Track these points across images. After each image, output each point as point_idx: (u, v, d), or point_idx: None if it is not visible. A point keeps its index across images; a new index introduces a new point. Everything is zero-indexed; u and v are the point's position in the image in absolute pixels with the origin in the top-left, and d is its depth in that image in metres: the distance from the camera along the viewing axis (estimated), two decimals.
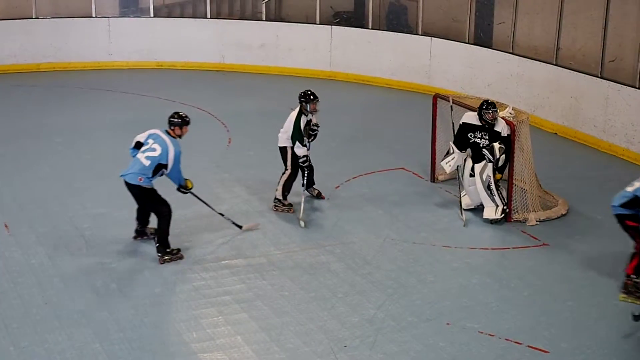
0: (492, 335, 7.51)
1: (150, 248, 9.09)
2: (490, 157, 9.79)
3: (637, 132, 12.09)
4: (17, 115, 14.04)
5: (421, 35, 15.85)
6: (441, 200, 10.58)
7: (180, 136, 9.12)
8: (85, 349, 7.23)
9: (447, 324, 7.71)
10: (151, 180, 8.90)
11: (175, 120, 9.14)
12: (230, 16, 17.76)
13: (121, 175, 8.94)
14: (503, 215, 9.91)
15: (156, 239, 8.99)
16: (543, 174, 10.49)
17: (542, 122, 13.42)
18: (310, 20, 16.99)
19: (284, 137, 10.25)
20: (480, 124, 9.95)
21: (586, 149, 12.73)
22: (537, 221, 9.87)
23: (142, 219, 9.39)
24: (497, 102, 10.85)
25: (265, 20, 17.22)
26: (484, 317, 7.84)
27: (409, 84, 15.65)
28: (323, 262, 8.92)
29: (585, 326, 7.74)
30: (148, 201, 9.02)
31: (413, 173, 11.25)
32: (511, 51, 14.32)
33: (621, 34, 12.83)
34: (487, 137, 9.88)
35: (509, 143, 9.84)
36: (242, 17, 17.85)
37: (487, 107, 9.90)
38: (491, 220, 9.91)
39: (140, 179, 8.83)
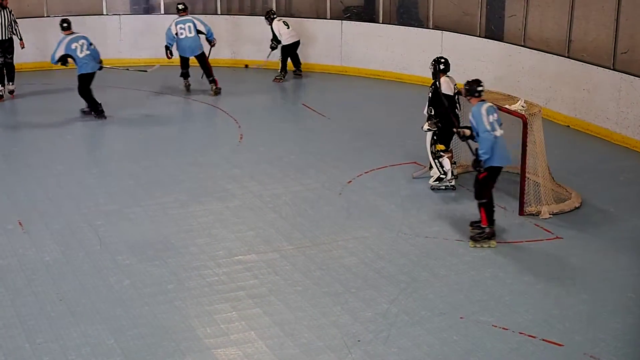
0: (506, 329, 7.50)
1: (163, 243, 9.12)
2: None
3: None
4: (29, 113, 14.09)
5: (432, 29, 15.82)
6: (453, 195, 10.56)
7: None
8: (100, 345, 7.26)
9: (461, 317, 7.70)
10: None
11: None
12: (241, 12, 17.77)
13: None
14: (437, 182, 10.58)
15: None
16: (556, 167, 10.45)
17: (555, 114, 13.37)
18: (320, 15, 16.97)
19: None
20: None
21: (599, 141, 12.67)
22: (550, 214, 9.84)
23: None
24: (509, 95, 10.87)
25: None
26: (497, 310, 7.82)
27: (420, 77, 15.61)
28: (336, 257, 8.92)
29: (599, 319, 7.71)
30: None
31: (424, 167, 11.21)
32: (523, 44, 14.26)
33: (633, 25, 12.76)
34: (431, 90, 10.53)
35: (446, 100, 10.24)
36: (253, 13, 17.84)
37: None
38: (431, 186, 10.60)
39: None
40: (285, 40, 15.66)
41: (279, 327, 7.55)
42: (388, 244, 9.22)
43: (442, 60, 10.55)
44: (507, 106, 10.13)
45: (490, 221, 9.13)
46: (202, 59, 14.98)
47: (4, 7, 14.17)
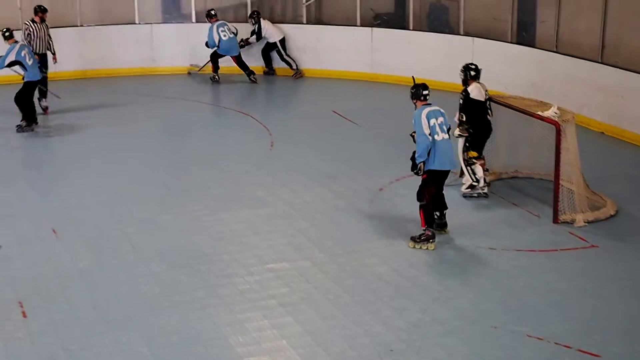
0: (541, 339, 7.40)
1: (195, 250, 9.13)
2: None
3: None
4: (63, 121, 14.18)
5: (463, 35, 15.75)
6: (486, 202, 10.48)
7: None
8: (132, 353, 7.26)
9: (494, 327, 7.62)
10: None
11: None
12: (271, 20, 17.78)
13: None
14: (470, 189, 10.51)
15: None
16: (590, 174, 10.33)
17: (589, 121, 13.23)
18: (350, 23, 16.96)
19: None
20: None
21: (634, 148, 12.52)
22: (585, 222, 9.72)
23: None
24: (542, 101, 10.78)
25: (306, 23, 17.22)
26: (532, 320, 7.73)
27: (451, 84, 15.52)
28: (367, 265, 8.87)
29: (636, 330, 7.58)
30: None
31: (455, 174, 11.13)
32: (555, 50, 14.16)
33: None
34: (462, 96, 10.45)
35: (477, 106, 10.26)
36: (283, 21, 17.86)
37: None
38: (463, 194, 10.54)
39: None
40: (277, 37, 16.69)
41: (311, 336, 7.51)
42: (420, 252, 9.15)
43: (472, 66, 10.50)
44: (539, 112, 10.05)
45: (430, 223, 9.20)
46: (239, 56, 16.35)
47: (43, 21, 14.27)
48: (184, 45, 17.07)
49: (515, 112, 10.47)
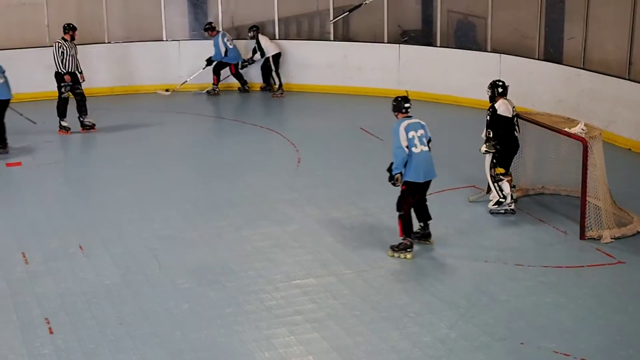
0: (568, 355, 7.36)
1: (222, 267, 9.17)
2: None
3: None
4: (90, 138, 14.32)
5: (490, 52, 15.74)
6: (512, 219, 10.45)
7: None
8: None
9: (521, 343, 7.59)
10: None
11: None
12: (299, 37, 17.90)
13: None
14: (497, 206, 10.51)
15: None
16: (617, 191, 10.28)
17: (615, 137, 13.17)
18: (378, 39, 17.00)
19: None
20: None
21: None
22: (612, 238, 9.67)
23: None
24: (569, 118, 10.75)
25: (333, 40, 17.29)
26: (559, 336, 7.69)
27: (478, 101, 15.51)
28: (394, 281, 8.87)
29: None
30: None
31: (482, 191, 11.12)
32: (582, 66, 14.11)
33: None
34: (489, 113, 10.46)
35: (504, 122, 10.30)
36: (310, 38, 17.96)
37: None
38: (490, 210, 10.56)
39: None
40: (272, 52, 16.74)
41: (337, 352, 7.51)
42: (447, 268, 9.15)
43: (500, 83, 10.51)
44: (567, 129, 10.02)
45: (407, 233, 9.39)
46: (237, 65, 16.94)
47: (73, 39, 14.32)
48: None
49: (543, 128, 10.46)
